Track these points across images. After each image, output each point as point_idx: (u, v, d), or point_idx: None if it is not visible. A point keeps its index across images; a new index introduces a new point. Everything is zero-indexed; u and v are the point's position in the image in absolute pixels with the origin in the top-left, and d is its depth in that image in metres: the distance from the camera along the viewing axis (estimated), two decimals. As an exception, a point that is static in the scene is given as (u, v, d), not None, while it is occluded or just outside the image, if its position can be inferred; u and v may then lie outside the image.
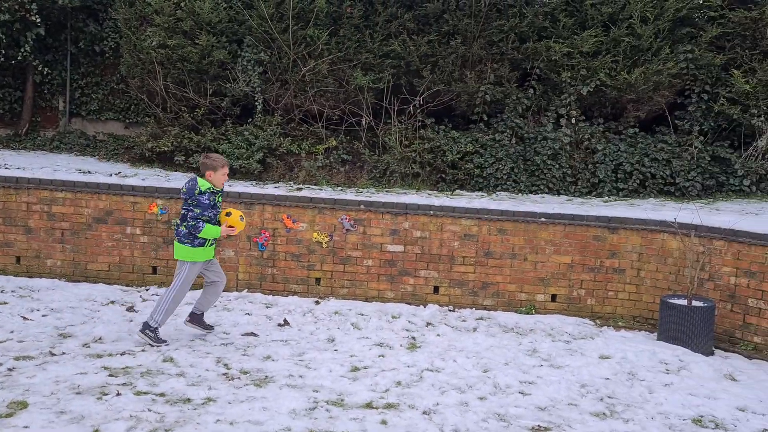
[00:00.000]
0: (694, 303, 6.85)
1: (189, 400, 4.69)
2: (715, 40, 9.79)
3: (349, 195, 8.55)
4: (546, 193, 9.80)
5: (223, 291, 8.03)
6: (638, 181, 9.75)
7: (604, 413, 4.94)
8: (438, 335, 6.82)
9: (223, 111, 10.19)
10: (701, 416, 4.97)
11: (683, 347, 6.61)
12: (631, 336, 7.20)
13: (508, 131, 9.97)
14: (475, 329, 7.15)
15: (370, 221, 8.11)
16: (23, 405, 4.41)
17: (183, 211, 5.92)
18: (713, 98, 9.82)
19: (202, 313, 6.36)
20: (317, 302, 7.85)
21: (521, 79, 10.24)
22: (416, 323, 7.24)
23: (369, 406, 4.80)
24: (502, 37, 9.86)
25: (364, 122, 10.21)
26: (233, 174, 9.71)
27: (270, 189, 8.70)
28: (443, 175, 9.99)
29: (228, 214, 6.12)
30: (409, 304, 8.04)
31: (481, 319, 7.60)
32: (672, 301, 6.95)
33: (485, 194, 9.50)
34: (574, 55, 9.72)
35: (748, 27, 9.64)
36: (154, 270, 8.26)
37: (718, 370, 6.07)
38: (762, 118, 9.49)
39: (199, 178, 5.88)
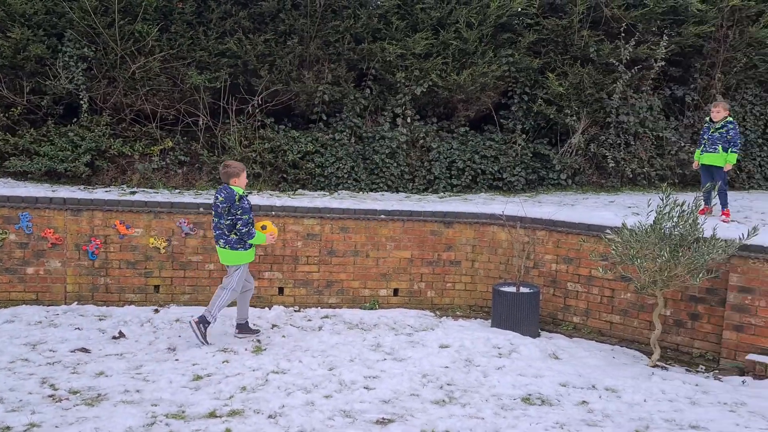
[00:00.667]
0: (522, 290, 7.38)
1: (8, 428, 4.30)
2: (532, 45, 10.57)
3: (188, 198, 8.25)
4: (385, 190, 10.07)
5: (49, 305, 7.51)
6: (470, 177, 10.31)
7: (443, 400, 5.19)
8: (284, 336, 6.79)
9: (44, 110, 9.40)
10: (529, 394, 5.37)
11: (514, 331, 7.10)
12: (468, 324, 7.61)
13: (347, 131, 10.12)
14: (320, 328, 7.21)
15: (211, 224, 7.88)
16: None
17: (227, 221, 6.33)
18: (533, 99, 10.61)
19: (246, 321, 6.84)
20: (156, 311, 7.51)
21: (358, 79, 10.43)
22: (261, 326, 7.16)
23: (212, 415, 4.68)
24: (338, 37, 9.98)
25: (201, 122, 9.88)
26: (57, 179, 9.02)
27: (100, 194, 8.18)
28: (285, 175, 9.94)
29: (264, 227, 6.65)
30: (254, 306, 7.91)
31: (327, 317, 7.67)
32: (502, 288, 7.45)
33: (327, 193, 9.58)
34: (408, 57, 10.06)
35: (560, 34, 10.52)
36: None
37: (544, 350, 6.59)
38: (574, 118, 10.41)
39: (232, 186, 6.27)
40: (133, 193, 8.54)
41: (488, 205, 8.57)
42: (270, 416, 4.69)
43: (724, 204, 7.82)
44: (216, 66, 9.70)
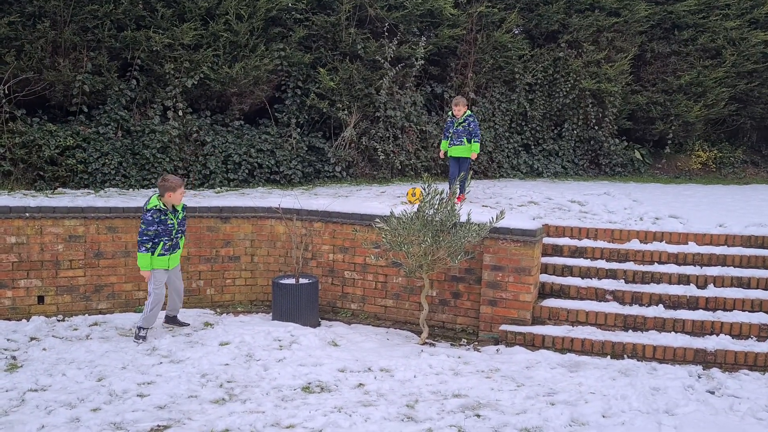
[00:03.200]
0: (302, 281, 7.52)
1: None
2: (303, 40, 10.77)
3: None
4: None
5: None
6: (247, 171, 10.24)
7: (223, 399, 5.13)
8: (44, 349, 6.20)
9: None
10: (309, 383, 5.51)
11: (294, 323, 7.22)
12: (249, 319, 7.58)
13: (112, 124, 9.49)
14: (88, 336, 6.70)
15: None
16: None
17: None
18: (306, 93, 10.82)
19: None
20: None
21: (123, 69, 9.82)
22: (17, 340, 6.47)
23: (-43, 446, 4.15)
24: (97, 23, 9.29)
25: (-69, 114, 8.61)
26: None
27: None
28: (41, 173, 9.05)
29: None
30: (9, 319, 7.14)
31: (96, 324, 7.15)
32: (282, 281, 7.52)
33: (92, 191, 8.91)
34: (176, 47, 9.69)
35: (329, 30, 10.84)
36: None
37: (324, 338, 6.79)
38: (346, 112, 10.81)
39: (157, 198, 6.65)
40: None
41: (265, 199, 8.58)
42: (28, 439, 4.28)
43: (462, 190, 8.77)
44: (-53, 50, 8.51)
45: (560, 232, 8.06)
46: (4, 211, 7.15)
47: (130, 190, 9.30)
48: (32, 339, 6.56)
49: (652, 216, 8.60)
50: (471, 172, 8.53)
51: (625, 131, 13.80)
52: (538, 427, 4.63)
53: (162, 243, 6.52)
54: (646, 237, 7.83)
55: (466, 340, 7.12)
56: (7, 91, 8.97)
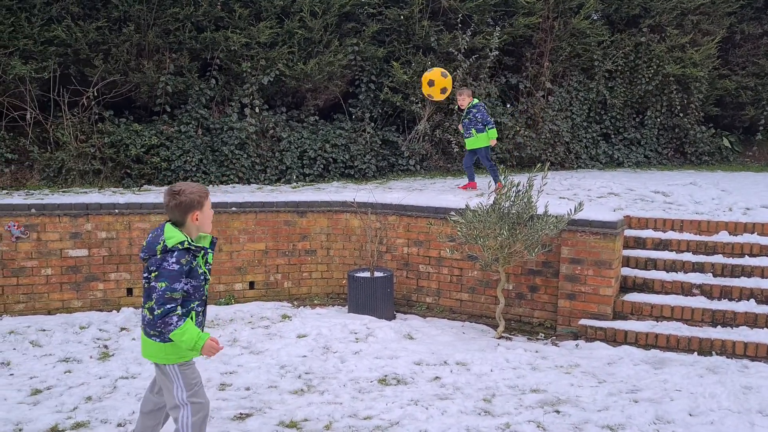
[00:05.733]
0: (376, 274, 7.56)
1: None
2: (376, 35, 10.79)
3: (17, 198, 7.62)
4: (237, 182, 9.89)
5: None
6: (322, 166, 10.37)
7: (302, 389, 5.22)
8: (133, 339, 6.49)
9: None
10: (386, 375, 5.53)
11: (370, 316, 7.27)
12: (326, 312, 7.69)
13: (193, 122, 9.80)
14: (173, 328, 6.96)
15: (45, 226, 7.34)
16: None
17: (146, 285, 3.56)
18: (379, 87, 10.85)
19: None
20: (-14, 324, 6.88)
21: (202, 69, 10.12)
22: (109, 330, 6.79)
23: (54, 430, 4.39)
24: (179, 25, 9.61)
25: (29, 116, 9.14)
26: None
27: None
28: (128, 171, 9.46)
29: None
30: (101, 310, 7.51)
31: (180, 316, 7.41)
32: (357, 274, 7.59)
33: (175, 188, 9.24)
34: (253, 46, 9.91)
35: (402, 24, 10.82)
36: None
37: (399, 332, 6.81)
38: (419, 105, 10.77)
39: (174, 227, 3.48)
40: (-48, 196, 7.74)
41: (340, 193, 8.67)
42: (119, 424, 4.48)
43: (495, 178, 8.73)
44: (43, 55, 9.02)
45: (643, 224, 7.77)
46: (95, 208, 7.51)
47: (210, 186, 9.58)
48: (122, 329, 6.87)
49: (743, 206, 8.16)
50: (546, 163, 8.31)
51: (713, 118, 13.17)
52: (621, 425, 4.48)
53: (193, 312, 3.49)
54: (735, 228, 7.45)
55: (543, 335, 6.98)
56: (96, 94, 9.41)
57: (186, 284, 3.39)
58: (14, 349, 6.13)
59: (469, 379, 5.44)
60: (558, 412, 4.73)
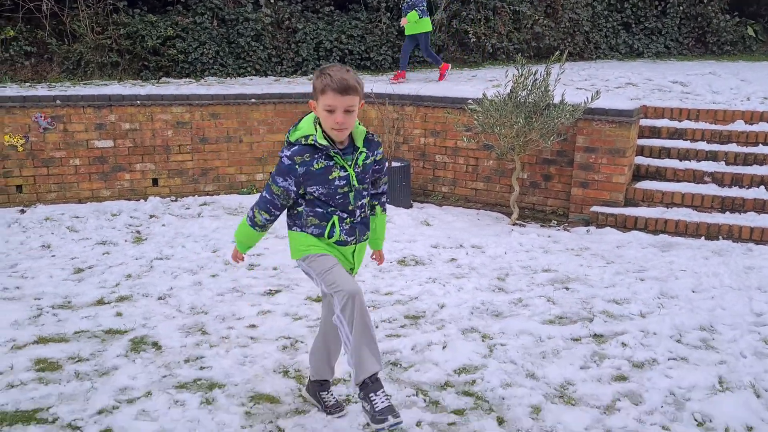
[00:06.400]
0: (394, 164, 7.74)
1: None
2: None
3: (41, 90, 7.75)
4: (254, 74, 9.92)
5: None
6: (338, 58, 10.33)
7: (325, 269, 5.53)
8: (163, 225, 6.81)
9: None
10: (404, 257, 5.83)
11: (388, 205, 7.51)
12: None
13: (208, 13, 9.72)
14: (200, 215, 7.27)
15: (71, 117, 7.51)
16: None
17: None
18: (396, -25, 10.60)
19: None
20: (22, 211, 7.22)
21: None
22: (139, 217, 7.11)
23: (100, 302, 4.75)
24: None
25: (45, 8, 9.10)
26: None
27: (-63, 91, 7.50)
28: (146, 63, 9.50)
29: None
30: (129, 199, 7.81)
31: (205, 204, 7.71)
32: (375, 164, 7.77)
33: (193, 80, 9.31)
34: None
35: None
36: None
37: (416, 218, 7.08)
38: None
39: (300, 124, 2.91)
40: (-23, 88, 7.88)
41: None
42: (159, 298, 4.83)
43: (403, 65, 9.18)
44: (54, -57, 8.86)
45: (659, 113, 7.82)
46: (118, 99, 7.64)
47: (228, 78, 9.63)
48: (151, 216, 7.18)
49: (761, 96, 8.15)
50: (565, 52, 8.23)
51: (737, 6, 12.79)
52: (627, 299, 4.77)
53: (335, 218, 2.85)
54: (752, 118, 7.48)
55: (555, 222, 7.22)
56: (109, -17, 9.31)
57: (289, 183, 2.78)
58: (52, 233, 6.47)
59: (483, 260, 5.73)
60: (567, 288, 5.03)
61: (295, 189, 2.78)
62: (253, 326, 4.34)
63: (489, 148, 7.33)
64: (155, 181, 8.01)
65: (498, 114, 6.61)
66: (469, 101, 7.03)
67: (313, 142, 2.72)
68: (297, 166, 2.72)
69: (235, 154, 8.20)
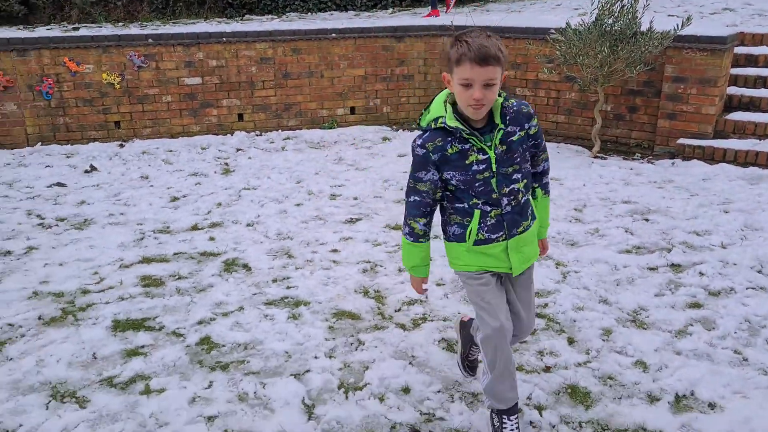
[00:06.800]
0: (473, 97, 7.71)
1: (9, 252, 4.67)
2: None
3: (134, 30, 8.12)
4: (334, 9, 9.97)
5: (13, 149, 7.60)
6: (418, -10, 10.21)
7: (403, 199, 5.68)
8: (249, 158, 7.12)
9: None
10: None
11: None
12: (423, 134, 8.01)
13: (289, -52, 9.77)
14: (283, 148, 7.54)
15: (162, 55, 7.85)
16: None
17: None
18: None
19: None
20: (121, 145, 7.70)
21: None
22: (226, 151, 7.45)
23: (195, 228, 5.11)
24: None
25: (134, -52, 9.40)
26: (-8, 19, 8.69)
27: (42, 31, 7.98)
28: (230, 1, 9.71)
29: None
30: (216, 134, 8.16)
31: (288, 138, 7.97)
32: (454, 98, 7.76)
33: (275, 16, 9.47)
34: None
35: None
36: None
37: (495, 151, 7.07)
38: None
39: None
40: (76, 28, 8.33)
41: (436, 18, 8.62)
42: (248, 224, 5.14)
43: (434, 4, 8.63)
44: None
45: (757, 40, 7.38)
46: (205, 37, 7.91)
47: (309, 14, 9.73)
48: (238, 150, 7.51)
49: None
50: None
51: None
52: (708, 231, 4.69)
53: (477, 213, 2.43)
54: None
55: (639, 155, 7.06)
56: None
57: (431, 174, 2.38)
58: (149, 165, 6.90)
59: (561, 192, 5.72)
60: (647, 220, 4.99)
61: (438, 176, 2.38)
62: (335, 251, 4.57)
63: (571, 79, 7.17)
64: (240, 117, 8.32)
65: (581, 43, 6.45)
66: (552, 31, 6.87)
67: (443, 125, 2.31)
68: (431, 154, 2.33)
69: (316, 89, 8.38)
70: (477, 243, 2.44)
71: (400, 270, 4.23)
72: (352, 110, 8.57)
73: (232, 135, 8.10)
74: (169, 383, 3.03)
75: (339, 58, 8.30)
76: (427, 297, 2.63)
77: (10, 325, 3.61)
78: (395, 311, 3.71)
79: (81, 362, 3.24)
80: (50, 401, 2.92)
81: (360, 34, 8.26)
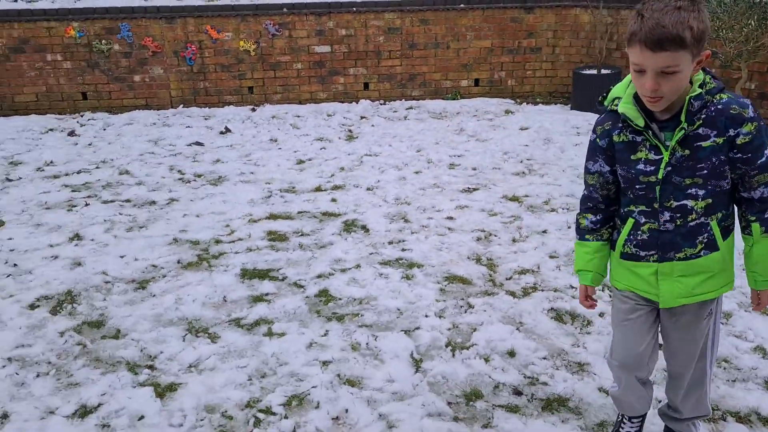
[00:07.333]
0: (603, 71, 7.46)
1: (154, 202, 5.13)
2: None
3: (270, -1, 8.48)
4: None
5: (158, 109, 8.24)
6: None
7: (523, 172, 5.66)
8: (372, 126, 7.31)
9: None
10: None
11: (593, 113, 7.32)
12: (548, 109, 7.87)
13: None
14: (405, 117, 7.67)
15: (295, 24, 8.17)
16: (0, 223, 4.76)
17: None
18: None
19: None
20: (253, 109, 8.13)
21: None
22: (351, 118, 7.68)
23: (318, 189, 5.36)
24: None
25: None
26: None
27: (188, 0, 8.51)
28: (361, -29, 9.87)
29: None
30: (342, 102, 8.42)
31: (411, 108, 8.09)
32: (583, 72, 7.55)
33: (405, -13, 9.53)
34: None
35: None
36: (84, 96, 8.23)
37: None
38: None
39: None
40: (218, -2, 8.81)
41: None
42: (368, 189, 5.32)
43: None
44: None
45: None
46: (336, 6, 8.14)
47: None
48: (362, 118, 7.72)
49: None
50: None
51: None
52: None
53: (631, 221, 2.03)
54: None
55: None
56: None
57: (600, 169, 2.04)
58: (278, 129, 7.26)
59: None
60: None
61: (608, 168, 2.01)
62: (450, 218, 4.65)
63: (713, 55, 6.75)
64: (366, 85, 8.52)
65: (726, 16, 6.06)
66: (693, 2, 6.48)
67: (615, 107, 1.93)
68: (598, 139, 1.99)
69: (441, 60, 8.41)
70: (624, 257, 2.05)
71: (514, 240, 4.26)
72: (476, 82, 8.54)
73: (357, 103, 8.32)
74: (289, 328, 3.26)
75: (466, 29, 8.27)
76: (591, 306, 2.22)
77: (153, 266, 4.00)
78: (506, 279, 3.76)
79: (213, 303, 3.55)
80: (186, 334, 3.24)
81: (489, 5, 8.18)
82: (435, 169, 5.74)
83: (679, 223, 1.91)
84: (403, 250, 4.16)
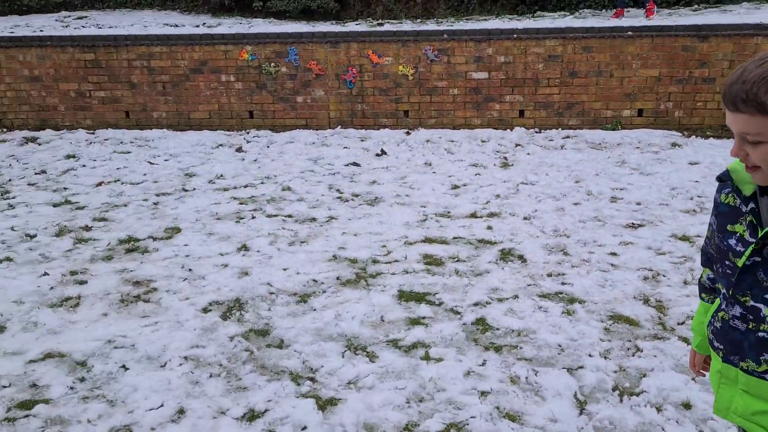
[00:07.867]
0: None
1: (314, 219, 5.32)
2: None
3: (430, 26, 8.63)
4: (632, 6, 9.53)
5: (317, 129, 8.59)
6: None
7: (694, 210, 5.29)
8: (528, 154, 7.17)
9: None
10: None
11: None
12: (720, 143, 7.34)
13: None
14: (562, 147, 7.45)
15: (454, 50, 8.23)
16: (177, 230, 5.14)
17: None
18: None
19: None
20: (408, 133, 8.26)
21: None
22: (505, 145, 7.59)
23: (473, 215, 5.31)
24: None
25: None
26: (311, 15, 9.85)
27: (351, 26, 8.87)
28: (522, -2, 9.82)
29: None
30: (496, 128, 8.35)
31: (568, 137, 7.86)
32: (763, 105, 6.96)
33: (567, 13, 9.35)
34: None
35: None
36: (251, 114, 8.78)
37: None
38: None
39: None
40: (380, 24, 9.11)
41: (752, 15, 7.81)
42: (525, 218, 5.20)
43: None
44: None
45: None
46: (496, 33, 8.11)
47: (603, 11, 9.43)
48: (517, 145, 7.60)
49: None
50: None
51: None
52: None
53: (718, 300, 1.64)
54: None
55: None
56: None
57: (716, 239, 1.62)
58: (432, 153, 7.32)
59: None
60: None
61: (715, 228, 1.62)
62: (613, 254, 4.43)
63: None
64: (521, 113, 8.39)
65: None
66: None
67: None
68: (716, 192, 1.63)
69: (603, 88, 8.11)
70: (709, 338, 1.64)
71: (685, 282, 3.96)
72: (640, 112, 8.15)
73: (511, 130, 8.21)
74: (447, 354, 3.23)
75: (632, 57, 7.93)
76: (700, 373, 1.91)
77: (314, 280, 4.14)
78: (678, 324, 3.49)
79: (371, 322, 3.59)
80: (345, 351, 3.29)
81: (659, 33, 7.79)
82: (595, 202, 5.51)
83: (751, 327, 1.49)
84: (563, 284, 4.00)
